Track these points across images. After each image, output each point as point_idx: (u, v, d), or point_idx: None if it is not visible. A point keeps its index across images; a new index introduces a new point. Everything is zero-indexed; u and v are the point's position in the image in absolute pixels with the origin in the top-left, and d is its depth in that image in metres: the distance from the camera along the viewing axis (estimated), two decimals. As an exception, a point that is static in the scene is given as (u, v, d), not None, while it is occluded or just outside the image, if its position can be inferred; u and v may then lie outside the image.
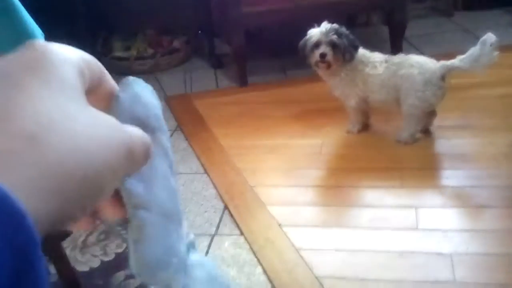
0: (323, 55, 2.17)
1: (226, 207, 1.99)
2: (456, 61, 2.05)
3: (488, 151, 2.14)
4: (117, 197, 0.36)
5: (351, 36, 2.21)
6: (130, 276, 1.69)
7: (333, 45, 2.17)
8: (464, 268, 1.57)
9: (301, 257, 1.69)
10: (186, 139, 2.51)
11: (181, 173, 2.24)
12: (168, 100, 2.92)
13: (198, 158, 2.34)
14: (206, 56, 3.42)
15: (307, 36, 2.23)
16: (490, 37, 1.95)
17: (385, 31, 3.16)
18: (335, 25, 2.21)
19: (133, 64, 3.30)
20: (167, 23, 3.49)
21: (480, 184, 1.96)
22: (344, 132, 2.40)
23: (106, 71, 0.35)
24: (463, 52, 2.04)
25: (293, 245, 1.75)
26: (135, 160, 0.31)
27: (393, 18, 3.03)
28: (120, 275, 1.71)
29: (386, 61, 2.20)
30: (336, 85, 2.29)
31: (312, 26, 2.24)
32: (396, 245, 1.71)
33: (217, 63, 3.31)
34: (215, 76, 3.22)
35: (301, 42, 2.26)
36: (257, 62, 3.20)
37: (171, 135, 2.54)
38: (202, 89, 3.07)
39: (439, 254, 1.64)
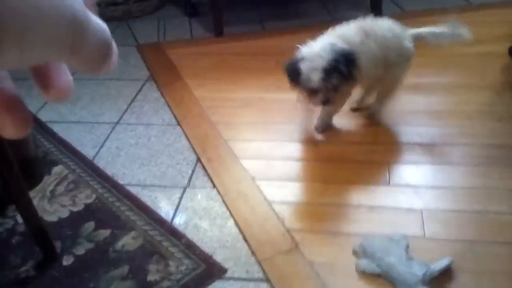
0: (326, 102, 1.86)
1: (198, 160, 1.96)
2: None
3: (462, 109, 2.15)
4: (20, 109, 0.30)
5: (350, 60, 1.80)
6: (99, 227, 1.67)
7: (335, 89, 1.82)
8: (434, 224, 1.58)
9: (273, 210, 1.69)
10: (159, 90, 2.45)
11: (153, 124, 2.20)
12: (140, 48, 2.84)
13: (171, 110, 2.29)
14: (181, 4, 3.32)
15: (300, 61, 1.80)
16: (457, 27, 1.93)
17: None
18: (334, 61, 1.76)
19: (105, 10, 3.18)
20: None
21: (453, 141, 1.96)
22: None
23: None
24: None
25: (265, 198, 1.74)
26: (82, 44, 0.27)
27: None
28: (89, 225, 1.69)
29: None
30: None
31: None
32: (368, 199, 1.72)
33: (192, 11, 3.22)
34: (190, 25, 3.13)
35: (290, 66, 1.84)
36: (233, 12, 3.12)
37: (143, 85, 2.48)
38: (176, 38, 2.99)
39: (410, 210, 1.65)
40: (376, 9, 2.96)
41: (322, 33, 1.92)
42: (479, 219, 1.59)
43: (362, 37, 1.87)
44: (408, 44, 1.92)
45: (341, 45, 1.82)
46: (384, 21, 1.95)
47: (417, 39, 1.98)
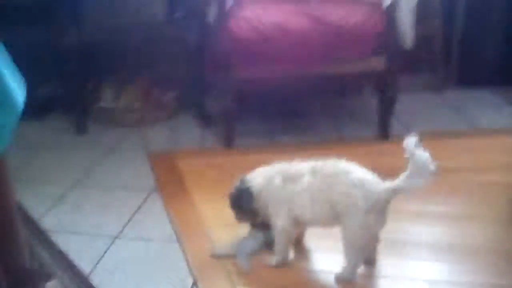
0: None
1: (195, 283, 1.91)
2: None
3: (467, 243, 2.10)
4: None
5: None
6: None
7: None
8: None
9: None
10: (163, 202, 2.44)
11: (153, 240, 2.17)
12: (149, 156, 2.88)
13: (173, 225, 2.26)
14: (194, 113, 3.40)
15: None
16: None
17: (374, 104, 3.14)
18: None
19: (120, 116, 3.27)
20: (159, 74, 3.48)
21: (456, 279, 1.90)
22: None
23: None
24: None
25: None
26: None
27: (383, 91, 3.03)
28: None
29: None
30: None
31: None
32: None
33: (205, 121, 3.29)
34: (202, 135, 3.19)
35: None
36: (245, 123, 3.18)
37: (148, 196, 2.49)
38: (187, 147, 3.04)
39: None
40: (383, 129, 3.01)
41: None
42: None
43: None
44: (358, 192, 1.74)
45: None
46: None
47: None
